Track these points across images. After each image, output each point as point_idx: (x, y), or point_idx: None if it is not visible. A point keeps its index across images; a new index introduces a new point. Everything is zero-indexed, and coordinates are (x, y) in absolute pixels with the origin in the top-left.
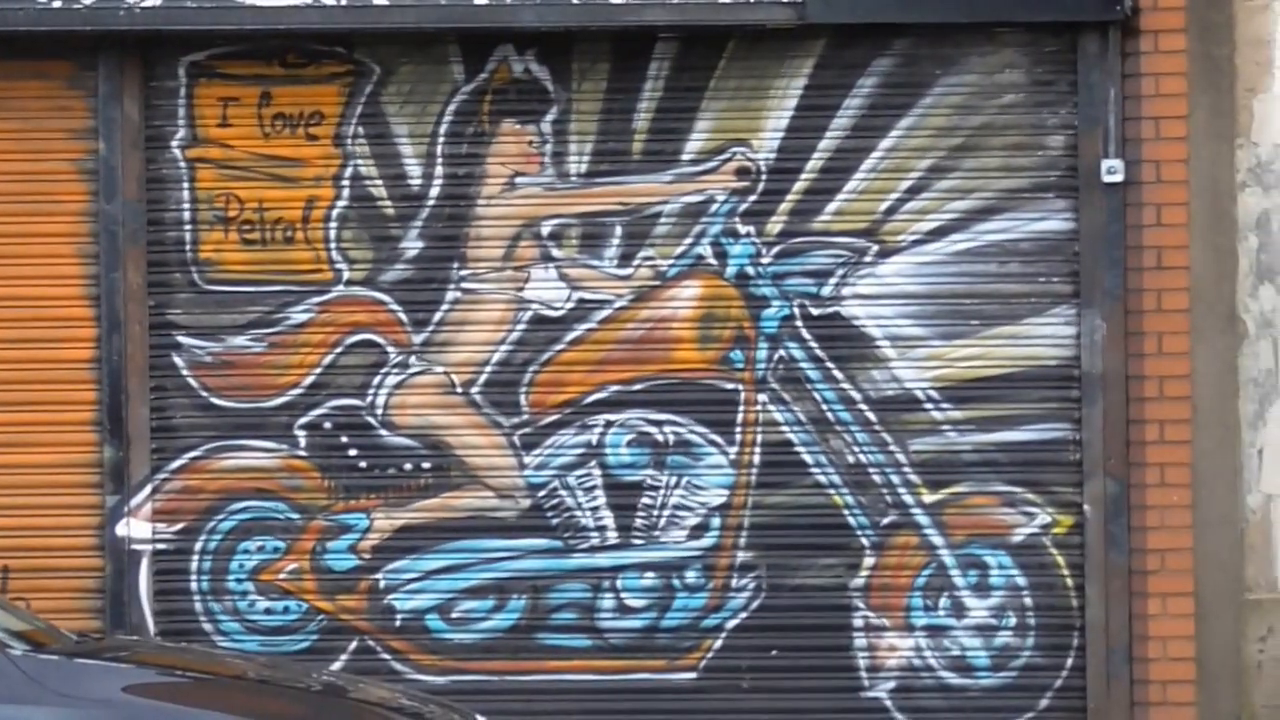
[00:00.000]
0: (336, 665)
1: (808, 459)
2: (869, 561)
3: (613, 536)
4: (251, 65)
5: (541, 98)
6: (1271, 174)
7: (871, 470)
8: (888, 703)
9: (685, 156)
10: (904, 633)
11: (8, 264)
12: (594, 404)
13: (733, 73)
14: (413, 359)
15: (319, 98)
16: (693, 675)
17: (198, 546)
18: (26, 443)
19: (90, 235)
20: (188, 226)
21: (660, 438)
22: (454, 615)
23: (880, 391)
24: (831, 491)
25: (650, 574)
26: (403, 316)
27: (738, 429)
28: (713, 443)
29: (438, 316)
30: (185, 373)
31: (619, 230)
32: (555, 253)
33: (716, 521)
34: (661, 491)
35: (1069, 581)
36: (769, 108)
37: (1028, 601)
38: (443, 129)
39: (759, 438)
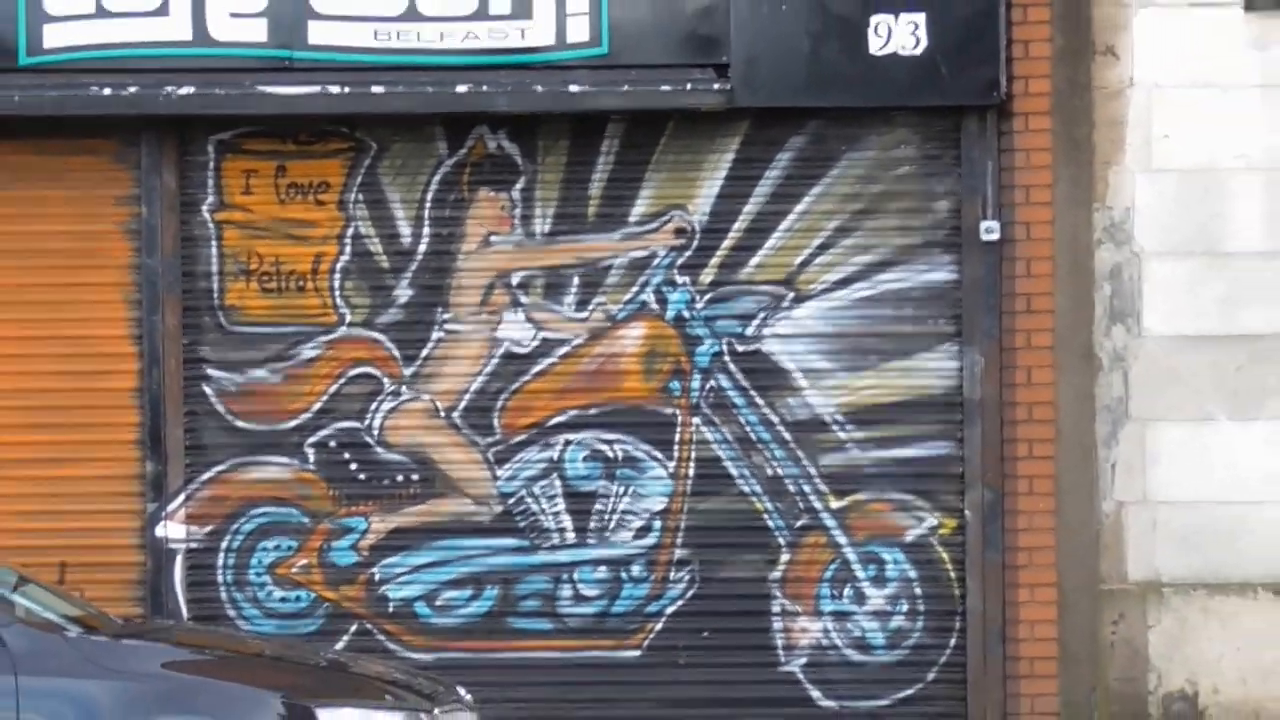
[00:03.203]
0: (340, 645)
1: (734, 472)
2: (785, 557)
3: (571, 536)
4: (269, 143)
5: (512, 170)
6: (1123, 233)
7: (787, 481)
8: (800, 676)
9: (632, 218)
10: (814, 617)
11: (65, 309)
12: (555, 426)
13: (671, 148)
14: (404, 388)
15: (326, 170)
16: (638, 653)
17: (224, 545)
18: (80, 458)
19: (134, 285)
20: (216, 277)
21: (611, 454)
22: (438, 603)
23: (795, 415)
24: (754, 499)
25: (602, 568)
26: (395, 353)
27: (675, 447)
28: (655, 458)
29: (425, 353)
30: (214, 400)
31: (576, 280)
32: (523, 299)
33: (658, 524)
34: (611, 499)
35: (952, 575)
36: (702, 177)
37: (917, 591)
38: (429, 196)
39: (693, 454)
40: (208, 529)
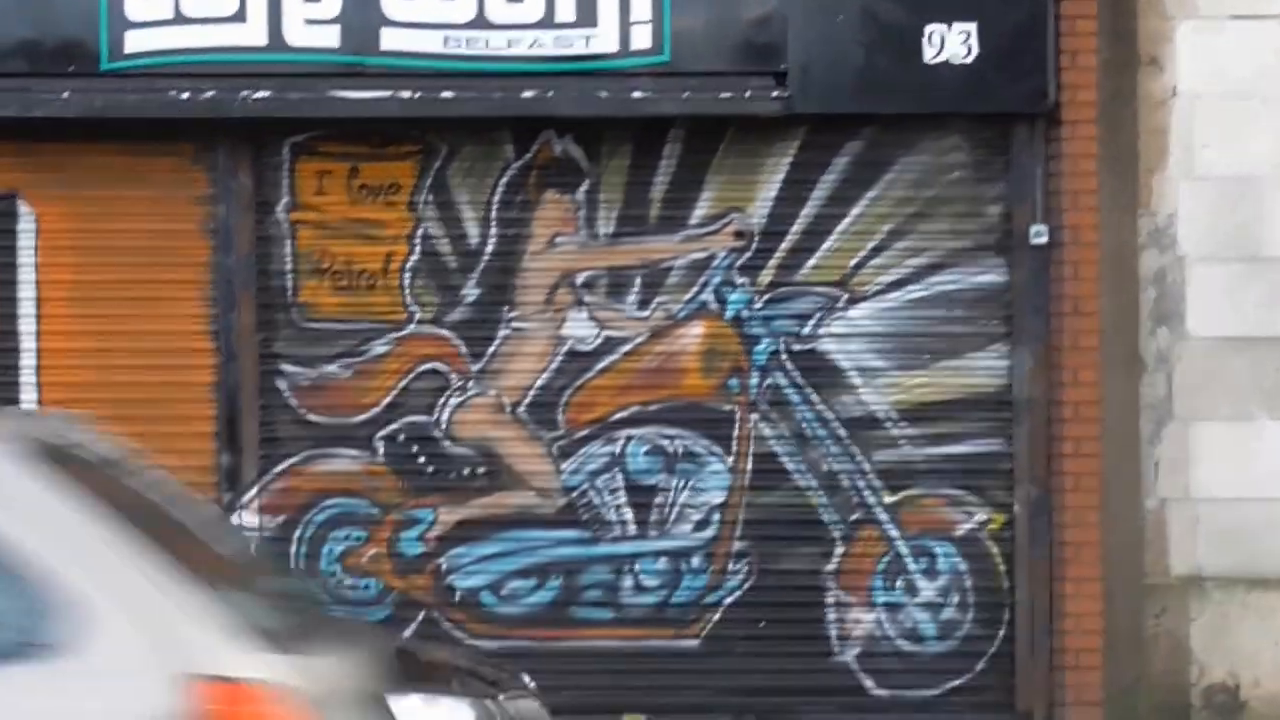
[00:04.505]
0: (407, 632)
1: (790, 467)
2: (839, 550)
3: (632, 529)
4: (342, 145)
5: (576, 173)
6: (1167, 238)
7: (842, 476)
8: (853, 665)
9: (692, 221)
10: (867, 609)
11: (145, 306)
12: (618, 421)
13: (731, 153)
14: (471, 384)
15: (397, 172)
16: (696, 643)
17: (296, 535)
18: (158, 450)
19: (211, 283)
20: (290, 276)
21: (671, 449)
22: (503, 592)
23: (849, 413)
24: (809, 494)
25: (662, 559)
26: (463, 350)
27: (734, 442)
28: (714, 453)
29: (491, 350)
30: (287, 395)
31: (638, 280)
32: (587, 298)
33: (716, 517)
34: (672, 493)
35: (1001, 568)
36: (760, 181)
37: (967, 584)
38: (496, 198)
39: (751, 449)
40: (281, 519)
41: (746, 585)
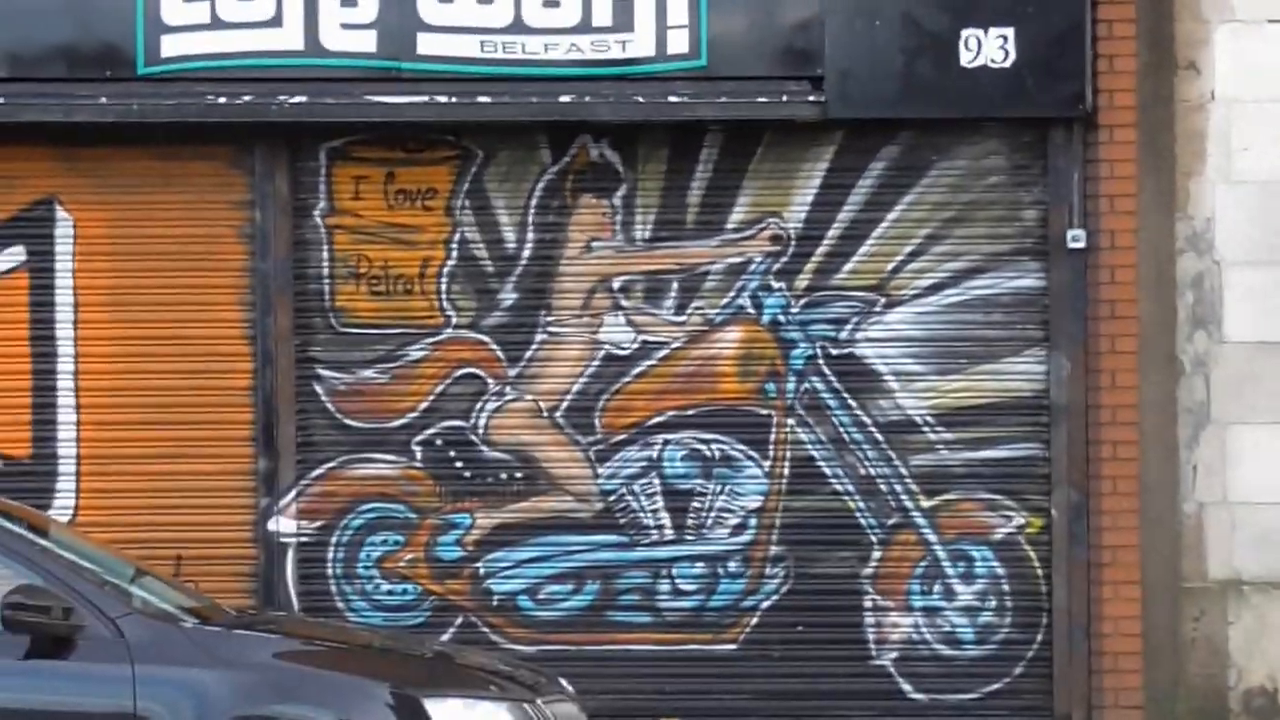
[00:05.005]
0: (445, 637)
1: (827, 471)
2: (876, 555)
3: (669, 533)
4: (379, 150)
5: (613, 178)
6: (1204, 242)
7: (879, 480)
8: (891, 670)
9: (729, 225)
10: (904, 612)
11: (182, 310)
12: (654, 426)
13: (768, 158)
14: (508, 388)
15: (433, 177)
16: (734, 646)
17: (333, 540)
18: (196, 454)
19: (248, 287)
20: (327, 280)
21: (708, 453)
22: (540, 596)
23: (886, 417)
24: (846, 498)
25: (699, 564)
26: (500, 354)
27: (770, 447)
28: (750, 458)
29: (528, 354)
30: (324, 399)
31: (675, 285)
32: (624, 303)
33: (753, 521)
34: (709, 497)
35: (1039, 572)
36: (797, 186)
37: (1005, 588)
38: (533, 202)
39: (788, 454)
40: (318, 524)
41: (784, 589)
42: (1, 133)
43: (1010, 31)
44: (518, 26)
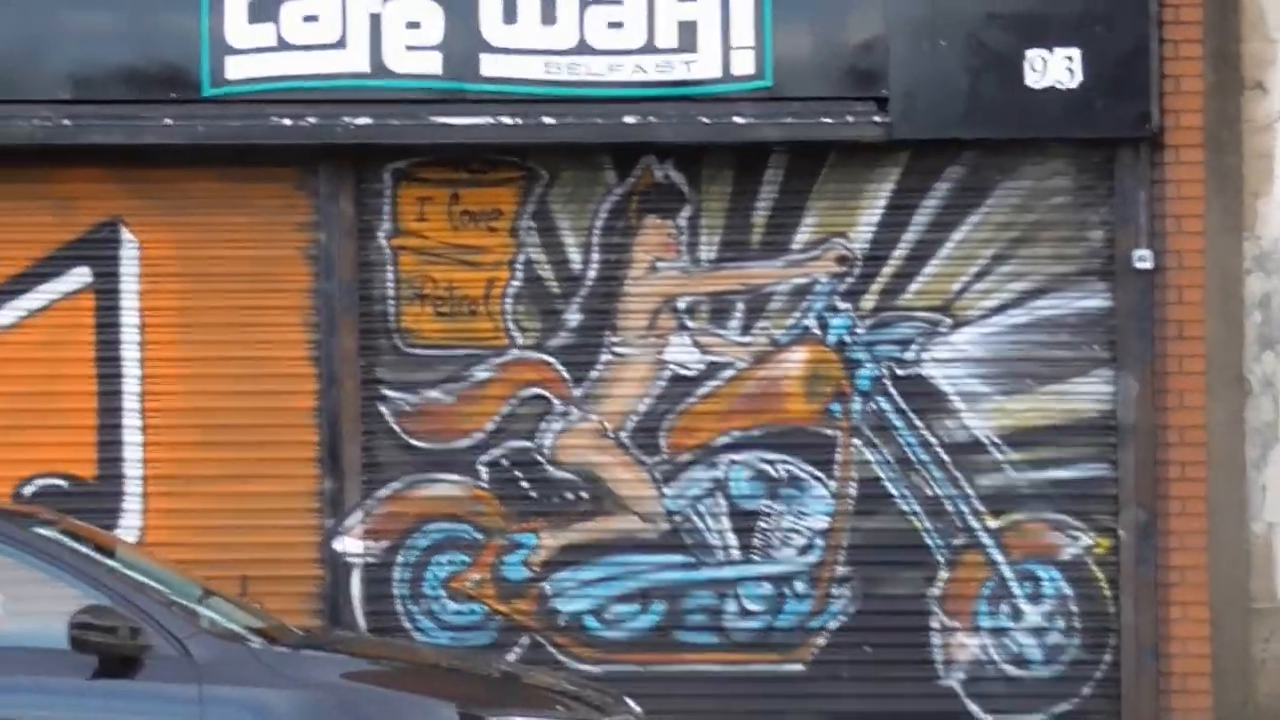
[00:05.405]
0: (512, 657)
1: (893, 492)
2: (943, 575)
3: (735, 553)
4: (443, 171)
5: (677, 198)
6: (1272, 261)
7: (945, 501)
8: (959, 690)
9: (794, 246)
10: (972, 633)
11: (247, 331)
12: (720, 446)
13: (832, 178)
14: (573, 409)
15: (498, 198)
16: (801, 667)
17: (400, 560)
18: (262, 475)
19: (313, 308)
20: (392, 301)
21: (774, 474)
22: (607, 616)
23: (953, 437)
24: (913, 518)
25: (766, 584)
26: (565, 375)
27: (837, 467)
28: (817, 478)
29: (594, 375)
30: (390, 420)
31: (740, 306)
32: (689, 324)
33: (820, 542)
34: (775, 517)
35: (1107, 592)
36: (862, 206)
37: (1073, 608)
38: (598, 223)
39: (854, 474)
40: (384, 544)
41: (851, 610)
42: (66, 154)
43: (1076, 52)
44: (582, 48)
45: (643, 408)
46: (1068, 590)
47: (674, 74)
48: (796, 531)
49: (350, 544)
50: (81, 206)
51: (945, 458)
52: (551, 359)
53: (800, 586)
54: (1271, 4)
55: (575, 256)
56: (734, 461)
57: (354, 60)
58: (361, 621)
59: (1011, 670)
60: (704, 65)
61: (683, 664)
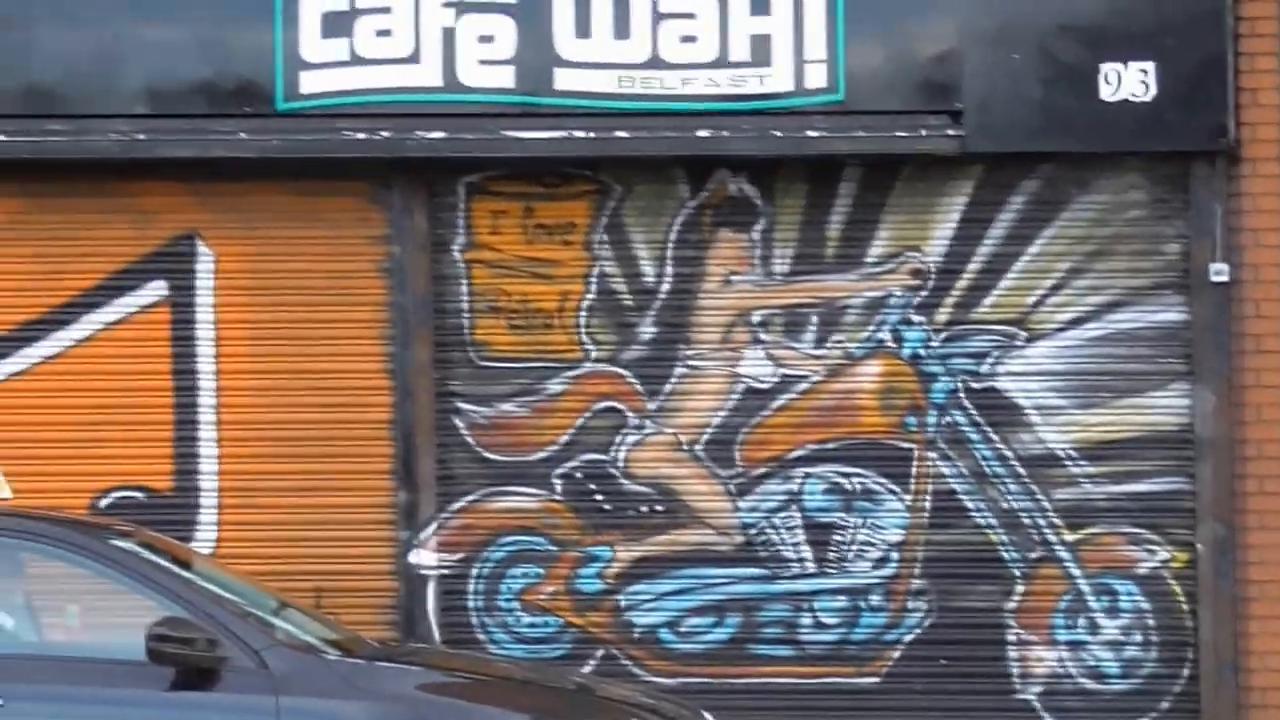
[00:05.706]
0: (586, 669)
1: (969, 505)
2: (1019, 588)
3: (810, 566)
4: (517, 185)
5: (751, 212)
6: None
7: (1021, 514)
8: (1036, 704)
9: (868, 259)
10: (1049, 646)
11: (322, 344)
12: (795, 459)
13: (907, 192)
14: (647, 422)
15: (571, 211)
16: (876, 680)
17: (474, 572)
18: (336, 488)
19: (387, 321)
20: (466, 314)
21: (849, 487)
22: (682, 629)
23: (1028, 451)
24: (989, 531)
25: (841, 597)
26: (639, 388)
27: (912, 480)
28: (892, 491)
29: (668, 388)
30: (464, 432)
31: (815, 319)
32: (763, 337)
33: (895, 555)
34: (850, 530)
35: (1185, 606)
36: (936, 220)
37: (1150, 622)
38: (672, 236)
39: (929, 487)
40: (459, 556)
41: (927, 623)
42: (141, 168)
43: (1151, 65)
44: (655, 62)
45: (717, 421)
46: (1145, 604)
47: (747, 88)
48: (871, 544)
49: (425, 556)
50: (157, 220)
51: (1021, 471)
52: (625, 372)
53: (875, 599)
54: None
55: (649, 270)
56: (808, 474)
57: (427, 74)
58: (436, 634)
59: (1088, 684)
60: (777, 79)
61: (757, 677)
